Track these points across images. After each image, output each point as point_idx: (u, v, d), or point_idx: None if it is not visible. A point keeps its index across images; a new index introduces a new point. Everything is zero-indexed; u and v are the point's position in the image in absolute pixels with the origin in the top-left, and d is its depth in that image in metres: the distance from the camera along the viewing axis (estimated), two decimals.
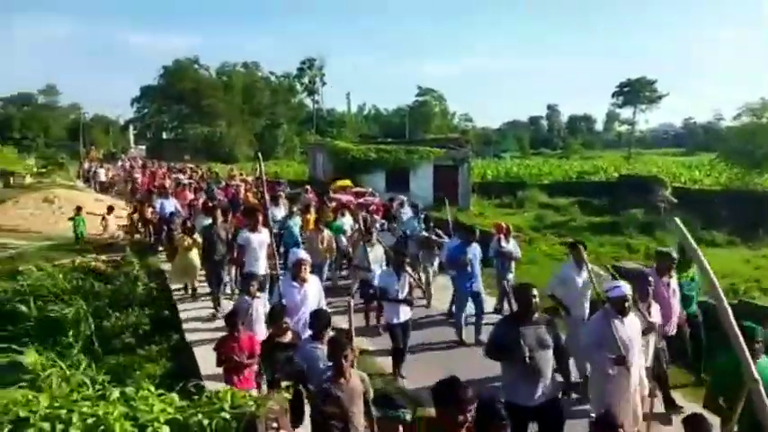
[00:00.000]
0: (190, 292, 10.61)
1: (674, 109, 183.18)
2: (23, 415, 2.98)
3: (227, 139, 71.04)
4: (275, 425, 3.38)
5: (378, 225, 11.65)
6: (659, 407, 5.94)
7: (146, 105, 79.44)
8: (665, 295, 6.29)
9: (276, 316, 5.37)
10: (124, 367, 7.80)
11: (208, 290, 10.07)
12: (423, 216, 12.00)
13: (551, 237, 19.45)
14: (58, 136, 70.48)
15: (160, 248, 14.49)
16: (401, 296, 7.32)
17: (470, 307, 8.74)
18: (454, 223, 11.31)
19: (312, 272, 6.72)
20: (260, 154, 8.49)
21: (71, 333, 8.85)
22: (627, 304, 5.01)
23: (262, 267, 8.63)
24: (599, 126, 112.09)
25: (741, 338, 2.90)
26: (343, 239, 11.50)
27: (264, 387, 5.10)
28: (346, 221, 12.03)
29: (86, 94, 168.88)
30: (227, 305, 9.55)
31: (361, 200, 16.37)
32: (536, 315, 4.81)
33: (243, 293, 6.91)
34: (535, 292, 4.81)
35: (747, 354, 2.93)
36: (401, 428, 3.43)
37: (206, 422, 3.14)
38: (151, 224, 15.48)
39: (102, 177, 32.59)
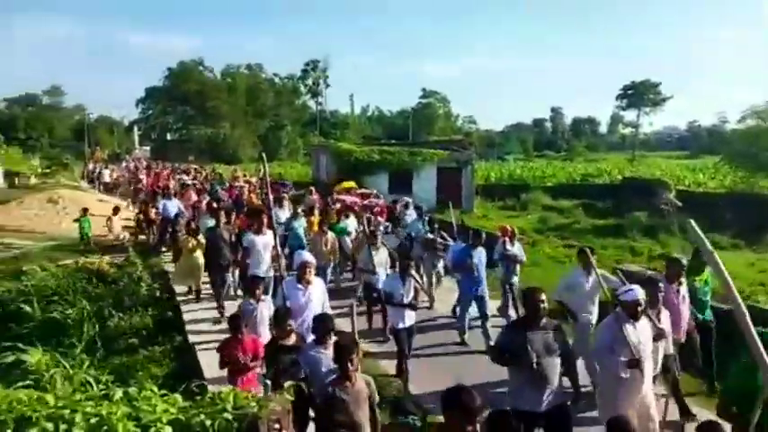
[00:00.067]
0: (194, 293, 10.61)
1: (679, 111, 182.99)
2: (27, 414, 3.00)
3: (231, 140, 71.25)
4: (277, 426, 3.38)
5: (381, 228, 11.62)
6: (675, 414, 5.93)
7: (150, 106, 79.78)
8: (675, 302, 6.23)
9: (280, 318, 5.35)
10: (127, 368, 7.80)
11: (211, 292, 10.06)
12: (427, 218, 11.98)
13: (555, 239, 19.40)
14: (63, 136, 70.72)
15: (163, 249, 14.53)
16: (406, 300, 7.28)
17: (474, 310, 8.73)
18: (460, 226, 11.23)
19: (316, 274, 6.71)
20: (264, 155, 8.46)
21: (74, 333, 8.88)
22: (640, 308, 4.94)
23: (266, 270, 8.59)
24: (603, 128, 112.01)
25: (759, 343, 2.86)
26: (348, 241, 11.46)
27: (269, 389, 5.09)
28: (350, 223, 11.98)
29: (91, 95, 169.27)
30: (230, 306, 9.58)
31: (365, 201, 16.37)
32: (544, 320, 4.74)
33: (247, 296, 6.88)
34: (543, 296, 4.73)
35: (766, 358, 2.89)
36: None
37: (208, 423, 3.15)
38: (155, 225, 15.55)
39: (107, 178, 32.75)
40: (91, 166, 39.41)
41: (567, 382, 4.97)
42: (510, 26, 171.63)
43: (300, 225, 11.56)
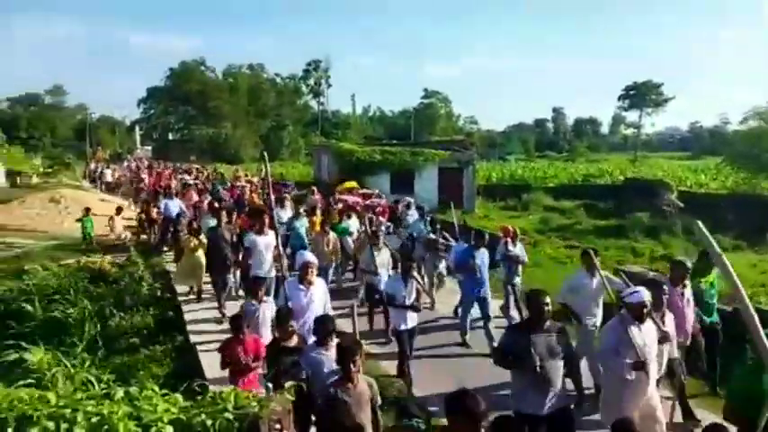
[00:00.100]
0: (195, 293, 10.61)
1: (681, 112, 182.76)
2: (29, 413, 3.00)
3: (233, 140, 71.34)
4: (278, 426, 3.38)
5: (383, 228, 11.58)
6: (677, 417, 5.92)
7: (152, 106, 79.90)
8: (680, 305, 6.18)
9: (282, 319, 5.33)
10: (128, 367, 7.80)
11: (213, 291, 10.06)
12: (429, 218, 11.95)
13: (556, 240, 19.39)
14: (65, 136, 70.84)
15: (165, 249, 14.54)
16: (408, 302, 7.26)
17: (476, 311, 8.68)
18: (463, 227, 11.19)
19: (318, 275, 6.69)
20: (266, 155, 8.43)
21: (76, 332, 8.89)
22: (645, 310, 4.90)
23: (268, 270, 8.57)
24: (605, 129, 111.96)
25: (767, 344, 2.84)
26: (349, 241, 11.44)
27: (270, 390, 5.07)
28: (352, 223, 11.95)
29: (93, 95, 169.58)
30: (231, 307, 9.57)
31: (367, 202, 16.35)
32: (548, 323, 4.70)
33: (249, 297, 6.86)
34: (547, 299, 4.68)
35: None
36: None
37: (209, 422, 3.15)
38: (156, 224, 15.56)
39: (109, 178, 32.80)
40: (93, 166, 39.48)
41: (569, 384, 4.94)
42: (511, 26, 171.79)
43: (302, 225, 11.53)
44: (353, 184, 20.66)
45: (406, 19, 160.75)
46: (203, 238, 10.16)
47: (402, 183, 25.69)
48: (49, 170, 39.62)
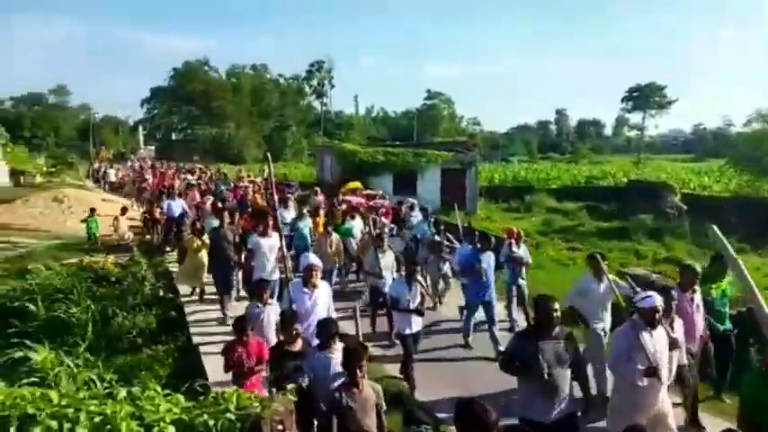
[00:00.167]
0: (198, 293, 10.61)
1: (684, 114, 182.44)
2: (32, 412, 3.01)
3: (236, 140, 71.43)
4: (280, 427, 3.38)
5: (387, 230, 11.50)
6: (680, 421, 5.85)
7: (155, 106, 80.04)
8: (689, 310, 6.08)
9: (287, 322, 5.27)
10: (131, 367, 7.81)
11: (215, 291, 10.05)
12: (433, 220, 11.91)
13: (559, 242, 19.37)
14: (69, 136, 71.08)
15: (168, 249, 14.56)
16: (412, 306, 7.18)
17: (481, 314, 8.60)
18: (468, 229, 11.09)
19: (322, 278, 6.63)
20: (269, 157, 8.40)
21: (78, 332, 8.90)
22: (658, 315, 4.83)
23: (271, 272, 8.54)
24: (608, 131, 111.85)
25: None
26: (353, 243, 11.37)
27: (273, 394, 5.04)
28: (356, 224, 11.88)
29: (96, 95, 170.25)
30: (233, 308, 9.57)
31: (371, 203, 16.32)
32: (556, 329, 4.61)
33: (254, 299, 6.78)
34: (556, 305, 4.59)
35: None
36: None
37: (211, 423, 3.16)
38: (159, 224, 15.58)
39: (113, 178, 32.91)
40: (96, 166, 39.59)
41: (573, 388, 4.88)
42: (514, 27, 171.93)
43: (306, 226, 11.51)
44: (357, 184, 20.61)
45: (410, 19, 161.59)
46: (206, 238, 10.15)
47: (405, 184, 25.68)
48: (53, 170, 39.80)
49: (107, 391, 3.44)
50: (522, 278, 9.55)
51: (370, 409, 4.22)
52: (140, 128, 78.83)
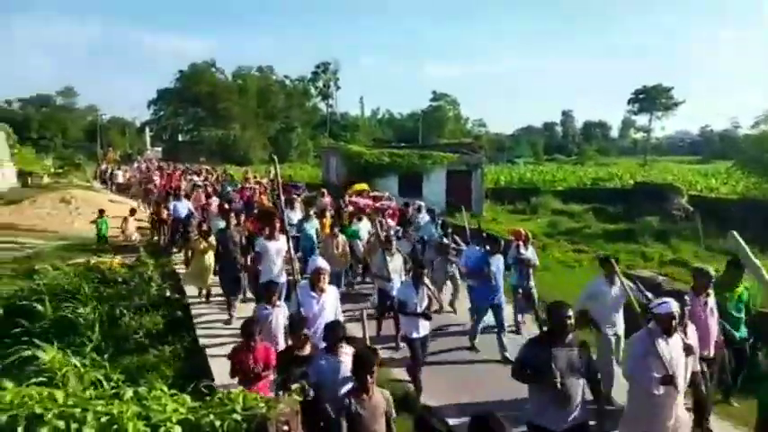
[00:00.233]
0: (204, 295, 10.62)
1: (691, 116, 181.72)
2: (39, 411, 3.02)
3: (242, 141, 71.62)
4: (286, 428, 3.39)
5: (393, 232, 11.43)
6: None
7: (162, 108, 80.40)
8: (702, 315, 5.97)
9: (296, 326, 5.22)
10: (137, 367, 7.83)
11: (221, 293, 10.08)
12: (440, 221, 11.84)
13: (565, 243, 19.30)
14: (76, 137, 71.40)
15: (174, 250, 14.61)
16: (420, 309, 7.07)
17: (489, 318, 8.52)
18: (476, 232, 10.93)
19: (330, 281, 6.55)
20: (275, 158, 8.39)
21: (85, 332, 8.93)
22: (674, 322, 4.75)
23: (278, 275, 8.52)
24: (614, 133, 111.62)
25: None
26: (359, 245, 11.30)
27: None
28: (363, 226, 11.80)
29: (103, 97, 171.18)
30: (240, 309, 9.60)
31: (378, 204, 16.32)
32: (570, 337, 4.51)
33: (262, 301, 6.75)
34: (570, 312, 4.50)
35: None
36: None
37: (217, 423, 3.17)
38: (166, 225, 15.64)
39: (121, 179, 33.12)
40: (104, 167, 39.79)
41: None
42: (520, 28, 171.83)
43: (312, 227, 11.49)
44: (364, 186, 20.60)
45: (415, 21, 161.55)
46: (213, 240, 10.17)
47: (410, 185, 25.66)
48: (60, 171, 39.97)
49: (114, 391, 3.46)
50: (528, 280, 9.45)
51: (379, 417, 4.15)
52: (147, 129, 79.24)
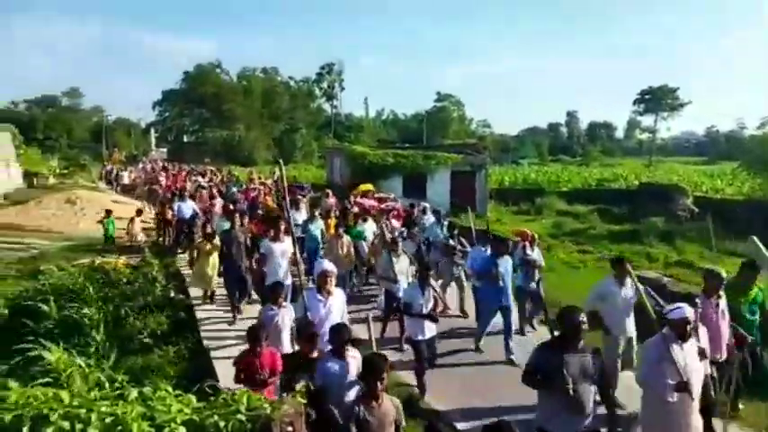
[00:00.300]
0: (209, 296, 10.63)
1: (697, 117, 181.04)
2: (44, 412, 3.03)
3: (246, 142, 71.77)
4: (290, 428, 3.39)
5: (397, 233, 11.40)
6: None
7: (167, 109, 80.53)
8: (713, 318, 5.89)
9: (303, 331, 5.16)
10: (142, 368, 7.85)
11: (225, 293, 10.09)
12: (446, 223, 11.78)
13: (569, 244, 19.27)
14: (81, 138, 71.62)
15: (179, 251, 14.64)
16: (425, 311, 7.00)
17: (498, 320, 8.44)
18: (482, 233, 10.87)
19: (336, 284, 6.49)
20: (281, 161, 8.36)
21: (90, 332, 8.95)
22: (689, 327, 4.68)
23: (283, 277, 8.47)
24: (619, 133, 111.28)
25: None
26: (364, 246, 11.26)
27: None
28: (368, 227, 11.74)
29: (108, 97, 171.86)
30: (245, 310, 9.60)
31: (383, 205, 16.30)
32: (582, 342, 4.40)
33: (267, 303, 6.71)
34: (583, 316, 4.40)
35: None
36: None
37: (222, 424, 3.18)
38: (171, 226, 15.67)
39: (126, 180, 33.28)
40: (109, 167, 39.96)
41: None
42: (525, 28, 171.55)
43: (317, 228, 11.50)
44: (369, 186, 20.56)
45: (415, 21, 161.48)
46: (217, 241, 10.18)
47: (414, 186, 25.66)
48: (65, 171, 40.14)
49: (118, 392, 3.46)
50: (535, 282, 9.35)
51: (388, 425, 4.07)
52: (152, 130, 79.49)
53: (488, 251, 8.90)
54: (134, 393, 3.36)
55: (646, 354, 4.89)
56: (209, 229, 10.95)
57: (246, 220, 11.06)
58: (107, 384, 4.42)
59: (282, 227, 8.68)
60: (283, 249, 8.57)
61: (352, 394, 4.50)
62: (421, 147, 35.14)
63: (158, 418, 3.15)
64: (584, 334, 4.42)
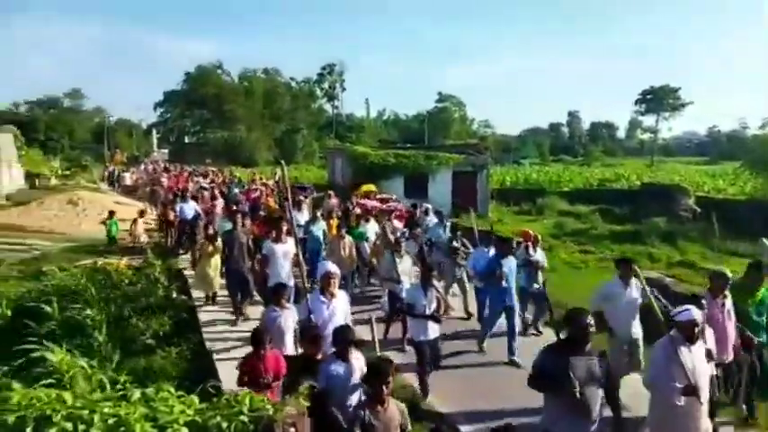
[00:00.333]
0: (211, 297, 10.62)
1: (699, 117, 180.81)
2: (47, 413, 3.04)
3: (248, 143, 71.83)
4: (293, 430, 3.39)
5: (399, 234, 11.38)
6: None
7: (169, 110, 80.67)
8: (719, 318, 5.84)
9: (308, 333, 5.12)
10: (144, 369, 7.85)
11: (227, 294, 10.09)
12: (449, 224, 11.74)
13: (571, 245, 19.25)
14: (83, 139, 71.63)
15: (181, 252, 14.65)
16: (428, 312, 6.93)
17: (502, 320, 8.38)
18: (486, 233, 10.83)
19: (339, 286, 6.44)
20: (283, 162, 8.31)
21: (92, 333, 8.96)
22: (697, 330, 4.64)
23: (286, 279, 8.43)
24: (621, 133, 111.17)
25: None
26: (366, 247, 11.22)
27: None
28: (370, 228, 11.69)
29: (110, 98, 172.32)
30: (247, 312, 9.60)
31: (385, 206, 16.28)
32: (589, 345, 4.33)
33: (270, 304, 6.68)
34: (590, 319, 4.33)
35: None
36: None
37: (225, 425, 3.18)
38: (173, 227, 15.68)
39: (128, 181, 33.33)
40: (111, 168, 40.04)
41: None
42: (525, 28, 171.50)
43: (319, 228, 11.49)
44: (371, 187, 20.53)
45: (415, 21, 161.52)
46: (219, 243, 10.18)
47: (416, 186, 25.66)
48: (67, 172, 40.21)
49: (121, 393, 3.47)
50: (537, 283, 9.24)
51: (394, 430, 4.04)
52: (154, 131, 79.59)
53: (491, 252, 8.88)
54: (137, 394, 3.36)
55: (653, 355, 4.83)
56: (211, 231, 10.94)
57: (248, 221, 11.05)
58: (110, 385, 4.43)
59: (284, 228, 8.68)
60: (285, 250, 8.55)
61: (355, 397, 4.49)
62: (422, 147, 35.14)
63: (161, 419, 3.16)
64: (592, 336, 4.36)
